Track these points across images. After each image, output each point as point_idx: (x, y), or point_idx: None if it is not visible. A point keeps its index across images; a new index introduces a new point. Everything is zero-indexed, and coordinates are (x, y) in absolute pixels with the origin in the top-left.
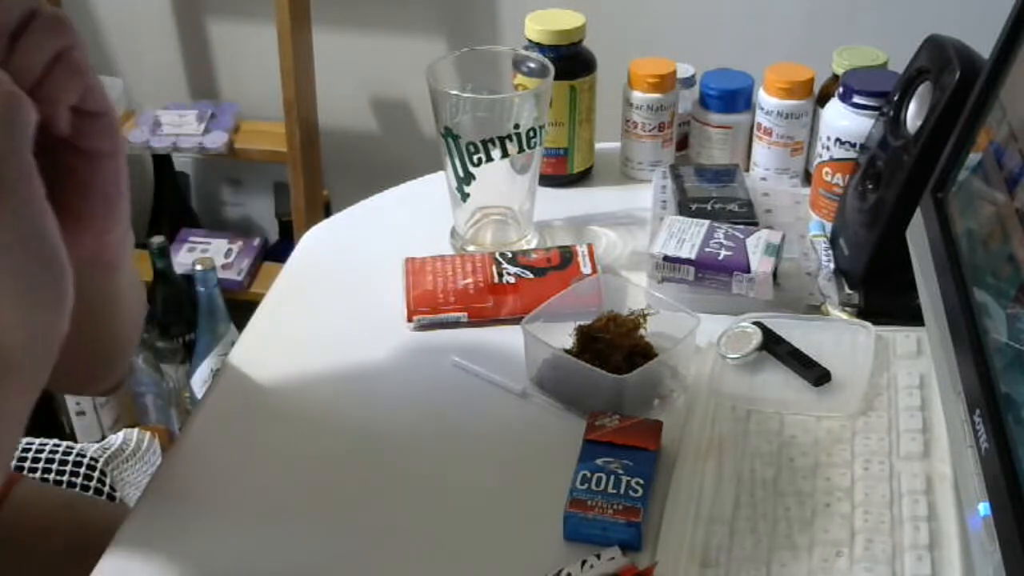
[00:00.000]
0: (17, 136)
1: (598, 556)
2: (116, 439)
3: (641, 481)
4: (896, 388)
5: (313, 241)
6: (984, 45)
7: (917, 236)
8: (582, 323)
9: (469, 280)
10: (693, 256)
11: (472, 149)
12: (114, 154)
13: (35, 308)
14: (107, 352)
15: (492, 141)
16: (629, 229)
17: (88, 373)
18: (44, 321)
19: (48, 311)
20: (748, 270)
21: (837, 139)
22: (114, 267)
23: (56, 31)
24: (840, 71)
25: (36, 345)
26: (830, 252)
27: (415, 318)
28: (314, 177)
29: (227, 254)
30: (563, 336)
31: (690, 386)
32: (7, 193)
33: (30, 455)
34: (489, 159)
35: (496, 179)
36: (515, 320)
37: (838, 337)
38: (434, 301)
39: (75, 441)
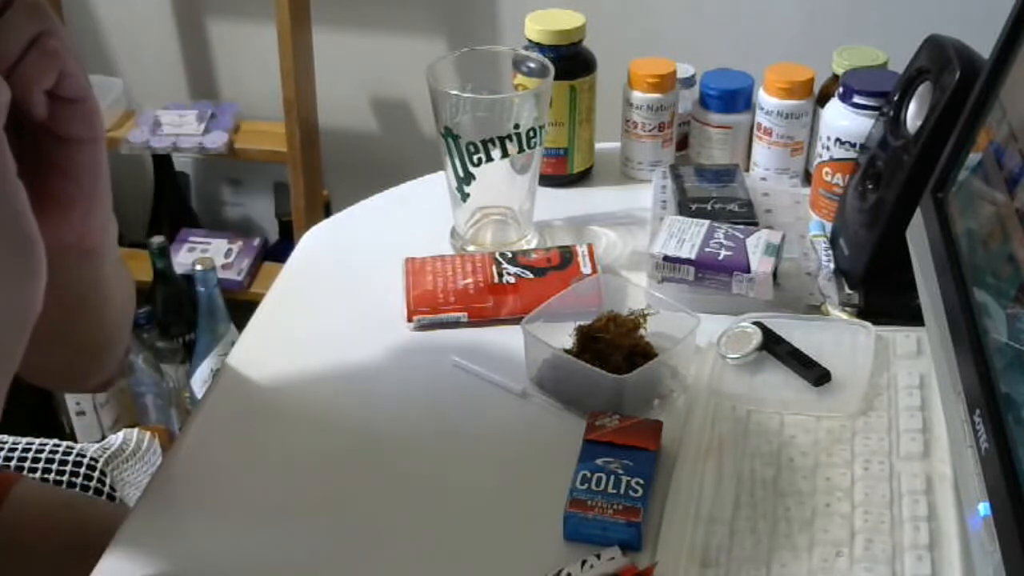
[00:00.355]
0: None
1: (598, 556)
2: (116, 439)
3: (641, 481)
4: (896, 388)
5: (313, 241)
6: (984, 45)
7: (917, 236)
8: (582, 323)
9: (469, 280)
10: (693, 256)
11: (472, 149)
12: (93, 140)
13: (4, 282)
14: (97, 343)
15: (492, 141)
16: (629, 229)
17: (79, 366)
18: (14, 296)
19: (18, 286)
20: (748, 270)
21: (837, 139)
22: (97, 254)
23: (32, 17)
24: (840, 71)
25: (4, 321)
26: (830, 252)
27: (415, 318)
28: (314, 177)
29: (227, 254)
30: (563, 336)
31: (690, 386)
32: None
33: (30, 455)
34: (489, 159)
35: (496, 179)
36: (515, 320)
37: (838, 337)
38: (434, 301)
39: (75, 441)
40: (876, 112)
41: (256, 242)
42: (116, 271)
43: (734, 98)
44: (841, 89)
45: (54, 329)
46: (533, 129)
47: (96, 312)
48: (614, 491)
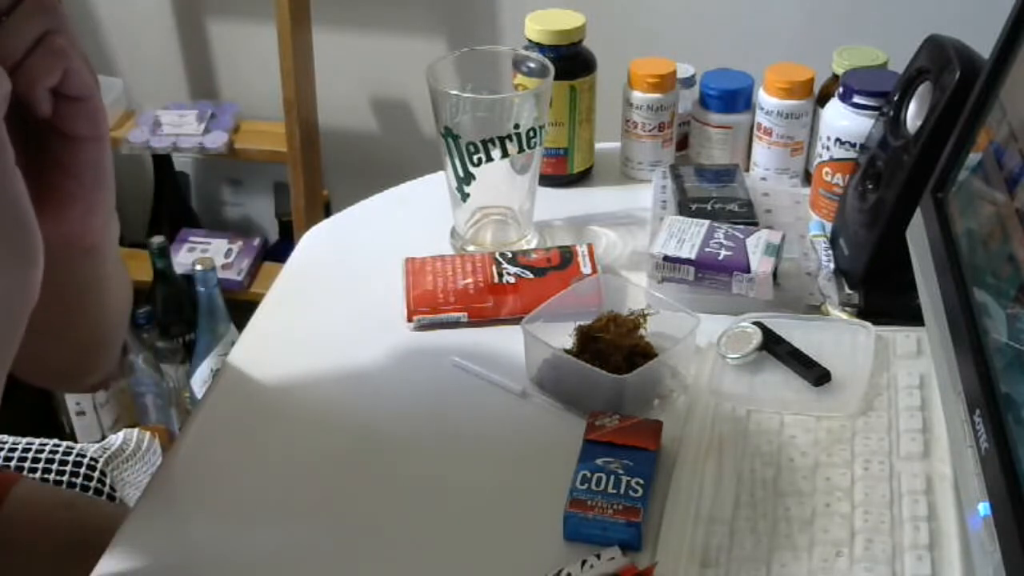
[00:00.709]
0: None
1: (598, 556)
2: (116, 439)
3: (641, 481)
4: (896, 388)
5: (313, 241)
6: (984, 45)
7: (917, 236)
8: (582, 323)
9: (469, 280)
10: (693, 256)
11: (472, 149)
12: (96, 139)
13: (1, 269)
14: (95, 340)
15: (492, 141)
16: (629, 229)
17: (78, 364)
18: (10, 283)
19: (14, 273)
20: (748, 270)
21: (837, 139)
22: (97, 252)
23: (40, 15)
24: (840, 71)
25: (1, 308)
26: (830, 252)
27: (415, 318)
28: (314, 177)
29: (227, 254)
30: (563, 336)
31: (690, 386)
32: None
33: (30, 455)
34: (489, 159)
35: (496, 179)
36: (515, 320)
37: (838, 337)
38: (434, 301)
39: (75, 441)
40: (876, 112)
41: (256, 242)
42: (116, 270)
43: (734, 98)
44: (841, 89)
45: (53, 324)
46: (533, 129)
47: (95, 309)
48: (614, 491)
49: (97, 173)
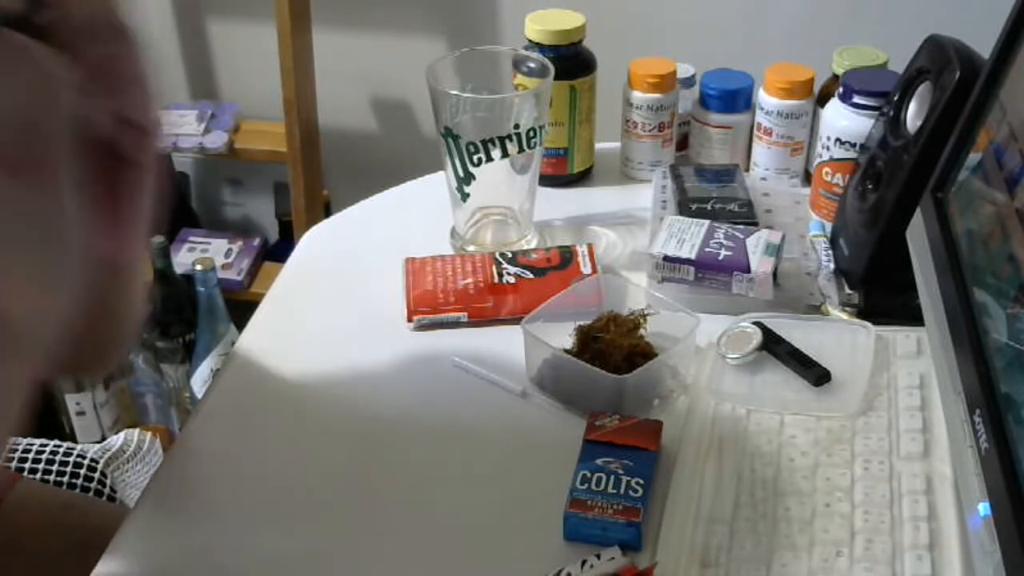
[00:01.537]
0: (59, 117)
1: (598, 556)
2: (116, 440)
3: (641, 481)
4: (896, 388)
5: (313, 241)
6: (984, 45)
7: (917, 236)
8: (582, 323)
9: (469, 280)
10: (693, 256)
11: (472, 149)
12: (142, 167)
13: (46, 285)
14: (108, 339)
15: (492, 141)
16: (629, 229)
17: (93, 355)
18: (53, 299)
19: (58, 291)
20: (748, 270)
21: (837, 139)
22: (126, 269)
23: (114, 41)
24: (840, 71)
25: (41, 322)
26: (830, 252)
27: (415, 318)
28: (314, 177)
29: (227, 254)
30: (563, 336)
31: (690, 386)
32: (41, 170)
33: (30, 455)
34: (489, 159)
35: (496, 179)
36: (515, 320)
37: (838, 337)
38: (434, 301)
39: (75, 441)
40: (876, 112)
41: (256, 242)
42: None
43: (734, 98)
44: (841, 89)
45: (71, 330)
46: (533, 129)
47: (113, 312)
48: (614, 491)
49: (134, 198)
